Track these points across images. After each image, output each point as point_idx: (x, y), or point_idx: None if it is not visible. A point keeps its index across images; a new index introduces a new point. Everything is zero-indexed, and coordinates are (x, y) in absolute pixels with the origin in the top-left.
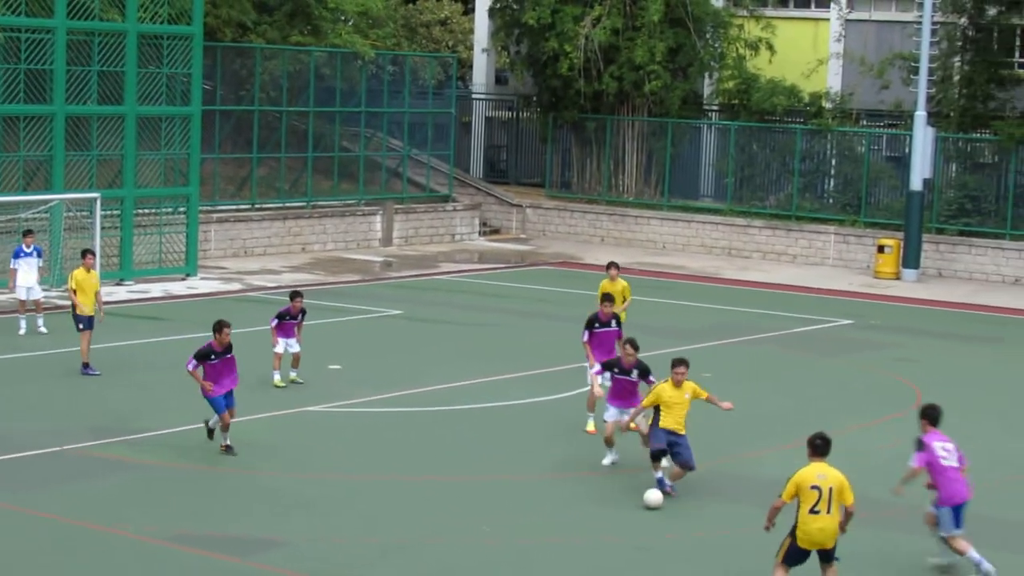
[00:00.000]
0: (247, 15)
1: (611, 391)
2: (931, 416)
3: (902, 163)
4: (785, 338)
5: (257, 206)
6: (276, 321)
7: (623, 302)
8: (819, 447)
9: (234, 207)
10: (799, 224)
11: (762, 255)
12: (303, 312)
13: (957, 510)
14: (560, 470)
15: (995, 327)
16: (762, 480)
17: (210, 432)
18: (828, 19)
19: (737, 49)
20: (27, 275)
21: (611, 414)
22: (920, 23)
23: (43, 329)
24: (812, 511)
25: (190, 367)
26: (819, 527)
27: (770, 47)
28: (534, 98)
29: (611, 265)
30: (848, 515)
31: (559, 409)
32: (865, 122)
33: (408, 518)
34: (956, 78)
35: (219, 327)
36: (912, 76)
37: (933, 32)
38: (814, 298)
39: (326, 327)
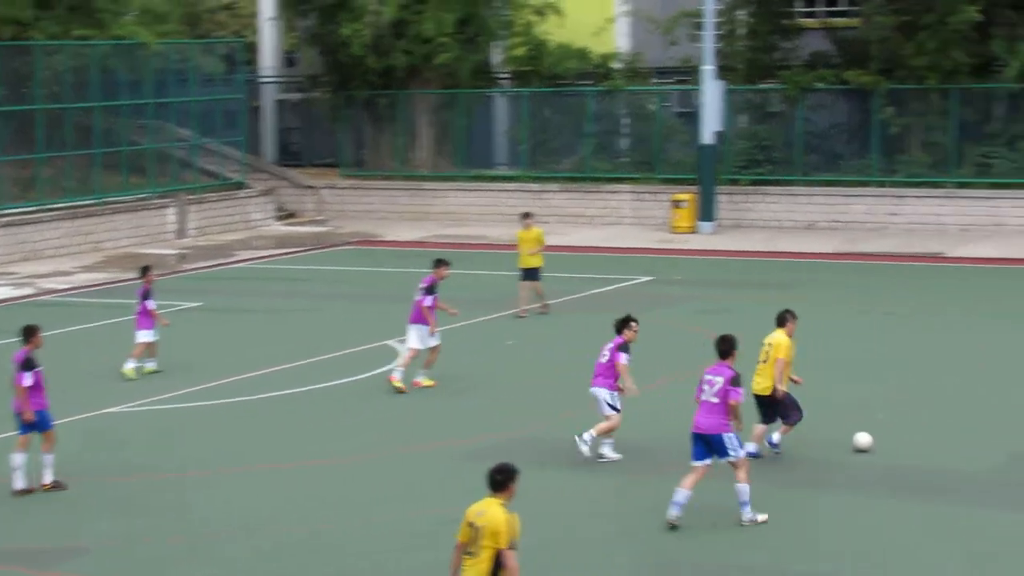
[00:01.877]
0: (23, 12)
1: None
2: (720, 348)
3: (694, 118)
4: (586, 299)
5: (45, 207)
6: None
7: (538, 247)
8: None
9: (20, 209)
10: (595, 185)
11: (559, 218)
12: (147, 293)
13: (693, 438)
14: (371, 451)
15: (791, 272)
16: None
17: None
18: None
19: (525, 15)
20: None
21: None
22: None
23: None
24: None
25: (26, 381)
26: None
27: (557, 11)
28: (324, 78)
29: (525, 215)
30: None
31: (365, 390)
32: (655, 80)
33: (218, 512)
34: (741, 31)
35: (32, 332)
36: (698, 32)
37: None
38: (613, 257)
39: (123, 325)
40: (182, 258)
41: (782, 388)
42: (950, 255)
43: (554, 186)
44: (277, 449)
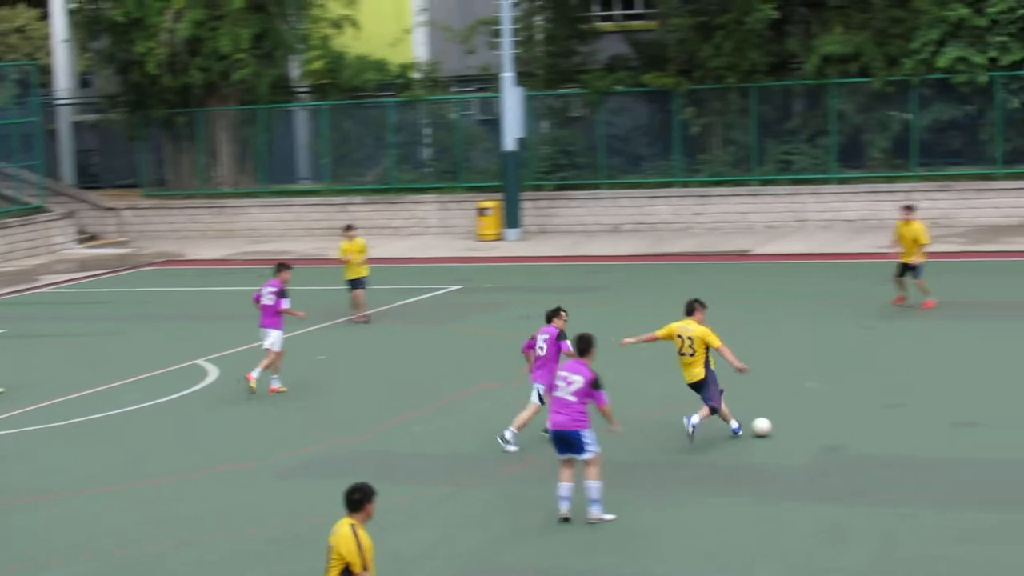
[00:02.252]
0: None
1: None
2: (578, 347)
3: (495, 125)
4: (395, 311)
5: None
6: None
7: (361, 258)
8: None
9: None
10: (399, 196)
11: (365, 231)
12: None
13: (553, 436)
14: (196, 470)
15: (597, 275)
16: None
17: None
18: None
19: (322, 29)
20: None
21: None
22: None
23: None
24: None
25: None
26: None
27: (354, 24)
28: (120, 98)
29: (347, 227)
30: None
31: (177, 410)
32: (455, 89)
33: (36, 537)
34: (539, 37)
35: None
36: (497, 39)
37: None
38: (420, 268)
39: None
40: None
41: (743, 365)
42: (756, 252)
43: (358, 198)
44: (96, 472)
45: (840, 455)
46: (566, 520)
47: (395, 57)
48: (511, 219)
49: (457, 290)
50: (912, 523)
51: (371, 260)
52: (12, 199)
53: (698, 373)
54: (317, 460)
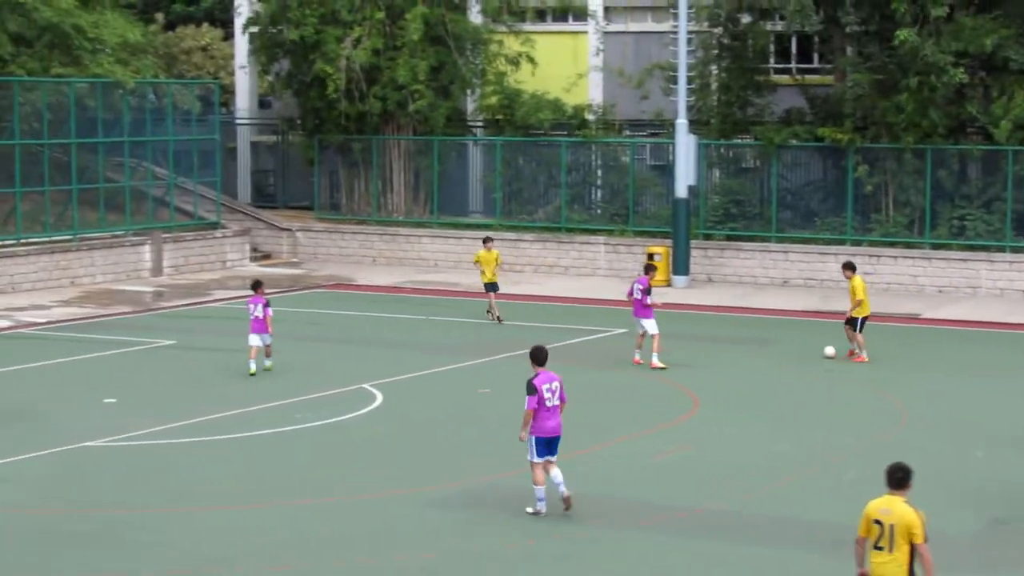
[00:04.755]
0: (2, 48)
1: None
2: (538, 358)
3: (667, 171)
4: (561, 350)
5: (22, 241)
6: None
7: (496, 266)
8: (899, 480)
9: None
10: (569, 236)
11: (534, 268)
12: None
13: (546, 441)
14: (352, 492)
15: (765, 329)
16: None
17: None
18: (586, 32)
19: (498, 65)
20: None
21: None
22: (676, 33)
23: None
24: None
25: None
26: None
27: (531, 60)
28: (298, 121)
29: (486, 239)
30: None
31: (347, 430)
32: (628, 132)
33: (192, 549)
34: (714, 86)
35: None
36: (671, 85)
37: (689, 41)
38: (587, 309)
39: (99, 360)
40: (158, 296)
41: None
42: (926, 316)
43: (529, 235)
44: (255, 487)
45: (1010, 528)
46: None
47: (570, 98)
48: (680, 266)
49: (622, 333)
50: None
51: (540, 298)
52: (190, 213)
53: None
54: (471, 492)
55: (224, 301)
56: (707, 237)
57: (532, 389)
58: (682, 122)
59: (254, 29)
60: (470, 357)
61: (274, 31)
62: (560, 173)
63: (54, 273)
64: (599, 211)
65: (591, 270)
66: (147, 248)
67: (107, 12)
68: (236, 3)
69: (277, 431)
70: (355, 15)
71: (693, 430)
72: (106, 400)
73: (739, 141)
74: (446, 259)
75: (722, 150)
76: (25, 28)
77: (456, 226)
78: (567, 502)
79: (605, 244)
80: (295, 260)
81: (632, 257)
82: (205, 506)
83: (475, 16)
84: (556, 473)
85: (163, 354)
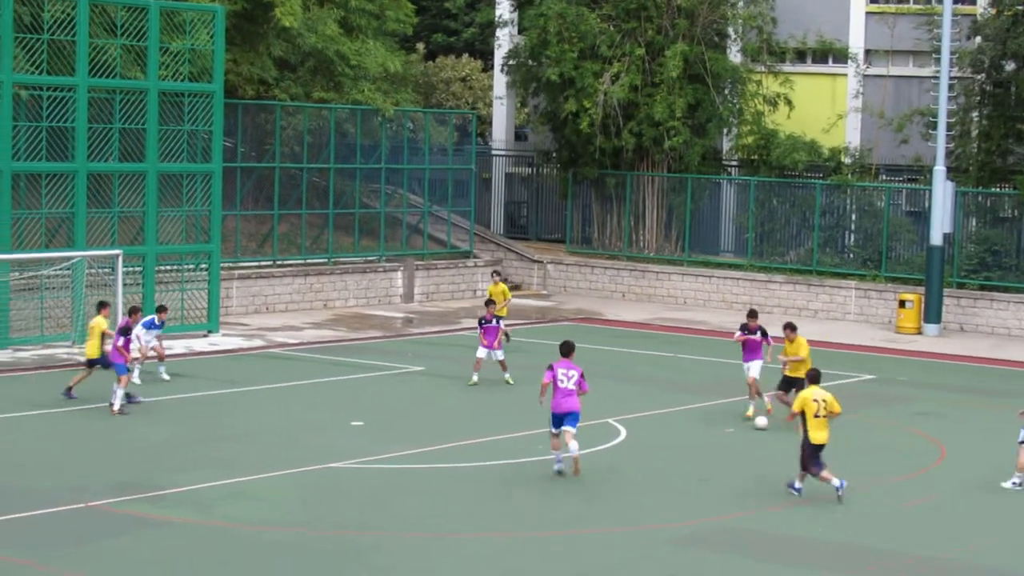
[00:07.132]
0: (268, 72)
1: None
2: (562, 350)
3: (922, 218)
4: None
5: (278, 262)
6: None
7: (504, 301)
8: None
9: (255, 263)
10: (820, 279)
11: (783, 310)
12: (498, 320)
13: (559, 416)
14: (587, 526)
15: (1018, 381)
16: (776, 536)
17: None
18: (846, 74)
19: (756, 105)
20: None
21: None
22: (938, 78)
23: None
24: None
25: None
26: None
27: (788, 102)
28: (553, 154)
29: (494, 272)
30: None
31: (591, 463)
32: (884, 177)
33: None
34: (974, 133)
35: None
36: (931, 131)
37: (951, 87)
38: (836, 353)
39: (348, 383)
40: (409, 322)
41: None
42: None
43: (779, 277)
44: (490, 517)
45: None
46: (561, 473)
47: (826, 140)
48: (932, 314)
49: (870, 380)
50: None
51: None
52: (442, 242)
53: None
54: (709, 532)
55: (473, 330)
56: (960, 286)
57: (549, 367)
58: (940, 169)
59: (513, 62)
60: (716, 396)
61: (533, 64)
62: (813, 215)
63: (307, 295)
64: (851, 255)
65: (841, 314)
66: (399, 274)
67: (369, 41)
68: (496, 35)
69: (519, 461)
70: (614, 51)
71: (940, 478)
72: (353, 423)
73: (997, 190)
74: (695, 297)
75: (980, 198)
76: (289, 53)
77: (707, 264)
78: (574, 464)
79: (856, 289)
80: (544, 292)
81: (883, 303)
82: (442, 532)
83: (734, 55)
84: (572, 445)
85: (411, 380)
